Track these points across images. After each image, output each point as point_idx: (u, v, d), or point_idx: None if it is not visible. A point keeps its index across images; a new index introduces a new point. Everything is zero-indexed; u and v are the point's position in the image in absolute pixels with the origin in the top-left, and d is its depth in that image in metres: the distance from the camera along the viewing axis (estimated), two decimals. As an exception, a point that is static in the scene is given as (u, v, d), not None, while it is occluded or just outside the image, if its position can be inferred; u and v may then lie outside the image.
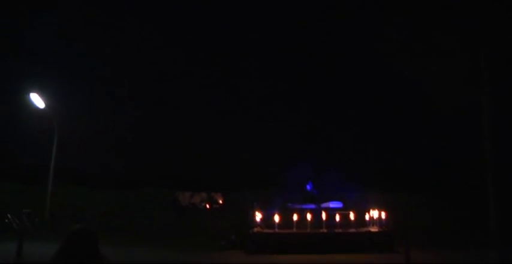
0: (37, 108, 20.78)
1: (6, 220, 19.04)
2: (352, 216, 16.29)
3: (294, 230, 15.75)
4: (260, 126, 24.46)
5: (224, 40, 25.79)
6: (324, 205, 17.31)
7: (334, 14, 22.95)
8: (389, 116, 23.61)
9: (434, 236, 17.72)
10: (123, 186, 21.94)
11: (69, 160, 21.81)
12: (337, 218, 16.11)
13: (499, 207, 12.48)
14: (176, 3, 25.88)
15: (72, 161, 22.13)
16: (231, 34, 25.66)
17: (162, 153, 24.49)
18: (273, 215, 15.96)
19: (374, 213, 16.71)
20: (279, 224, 15.75)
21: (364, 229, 16.52)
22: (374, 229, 16.36)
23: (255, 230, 16.05)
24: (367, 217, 16.96)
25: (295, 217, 15.89)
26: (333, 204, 17.49)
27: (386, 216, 16.44)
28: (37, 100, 20.49)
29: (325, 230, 15.79)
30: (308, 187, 18.29)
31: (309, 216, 15.91)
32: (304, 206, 17.08)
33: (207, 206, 22.24)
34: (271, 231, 15.79)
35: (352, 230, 16.07)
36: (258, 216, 16.16)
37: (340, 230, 15.88)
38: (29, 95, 20.47)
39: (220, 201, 22.26)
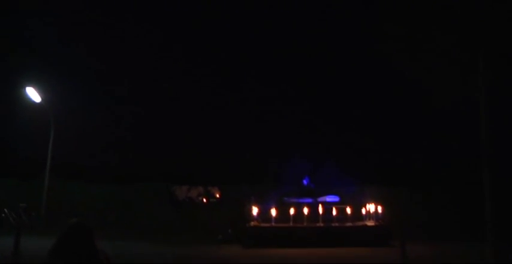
0: (33, 103, 20.71)
1: (3, 215, 19.03)
2: (348, 210, 16.35)
3: (291, 224, 15.81)
4: (257, 120, 24.47)
5: (222, 36, 25.75)
6: (321, 199, 17.37)
7: (332, 10, 22.95)
8: (386, 111, 23.66)
9: (430, 230, 17.81)
10: (120, 180, 21.93)
11: (66, 154, 21.76)
12: (334, 212, 16.18)
13: (495, 202, 12.54)
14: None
15: (68, 155, 22.08)
16: (229, 30, 25.60)
17: (159, 147, 24.49)
18: (270, 209, 16.01)
19: (370, 207, 16.78)
20: (275, 218, 15.80)
21: (361, 223, 16.59)
22: (370, 223, 16.44)
23: (252, 224, 16.10)
24: (363, 211, 17.03)
25: (291, 211, 15.95)
26: (329, 198, 17.56)
27: (383, 210, 16.52)
28: (33, 94, 20.42)
29: (321, 224, 15.85)
30: (305, 181, 18.33)
31: (305, 210, 15.97)
32: (300, 200, 17.13)
33: (204, 200, 22.25)
34: (268, 225, 15.84)
35: (349, 224, 16.14)
36: (255, 210, 16.21)
37: (336, 224, 15.96)
38: (25, 89, 20.39)
39: (217, 195, 22.29)
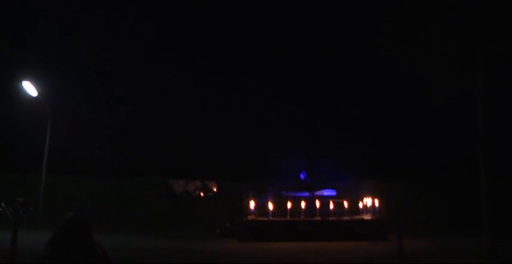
0: (30, 97, 20.65)
1: (0, 209, 19.03)
2: (345, 204, 16.40)
3: (288, 217, 15.86)
4: (255, 115, 24.45)
5: (221, 33, 25.64)
6: (318, 193, 17.42)
7: (330, 6, 22.85)
8: (384, 105, 23.65)
9: (426, 224, 17.90)
10: (118, 174, 21.92)
11: (63, 149, 21.72)
12: (331, 205, 16.23)
13: (492, 196, 12.61)
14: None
15: (66, 149, 22.04)
16: (227, 28, 25.48)
17: (157, 142, 24.47)
18: (267, 203, 16.05)
19: (367, 201, 16.83)
20: (273, 211, 15.85)
21: (358, 217, 16.66)
22: (367, 217, 16.50)
23: (249, 217, 16.14)
24: (360, 205, 17.09)
25: (289, 205, 15.99)
26: (326, 192, 17.60)
27: (380, 204, 16.58)
28: (29, 88, 20.35)
29: (318, 218, 15.90)
30: (302, 175, 18.37)
31: (302, 204, 16.02)
32: (298, 194, 17.17)
33: (201, 194, 22.28)
34: (265, 219, 15.89)
35: (346, 218, 16.20)
36: (252, 204, 16.24)
37: (333, 218, 16.02)
38: (21, 83, 20.31)
39: (215, 189, 22.32)
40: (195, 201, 21.68)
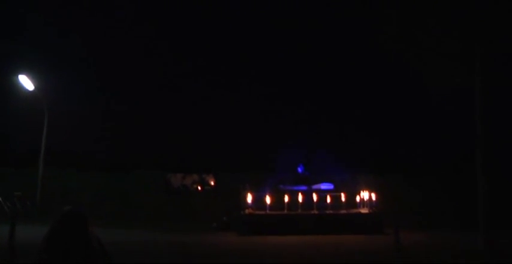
0: (26, 91, 20.56)
1: (-2, 203, 19.02)
2: (343, 197, 16.46)
3: (285, 211, 15.91)
4: (252, 108, 24.39)
5: (219, 29, 25.51)
6: (315, 187, 17.45)
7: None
8: (380, 99, 23.64)
9: (423, 218, 17.98)
10: (115, 168, 21.89)
11: (60, 143, 21.67)
12: (328, 199, 16.28)
13: (488, 190, 12.67)
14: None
15: (63, 143, 21.99)
16: (225, 24, 25.33)
17: (154, 135, 24.42)
18: (265, 197, 16.09)
19: (364, 195, 16.89)
20: (270, 205, 15.89)
21: (355, 210, 16.72)
22: (364, 210, 16.56)
23: (247, 211, 16.18)
24: (357, 199, 17.15)
25: (286, 198, 16.04)
26: (324, 186, 17.64)
27: (377, 197, 16.64)
28: (26, 82, 20.26)
29: (316, 212, 15.96)
30: (299, 169, 18.40)
31: (300, 198, 16.06)
32: (295, 188, 17.20)
33: (199, 187, 22.29)
34: (262, 212, 15.93)
35: (343, 211, 16.26)
36: (250, 197, 16.27)
37: (331, 211, 16.07)
38: (17, 76, 20.22)
39: (212, 183, 22.32)
40: (193, 195, 21.70)
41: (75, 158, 22.13)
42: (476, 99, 12.71)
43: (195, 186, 22.37)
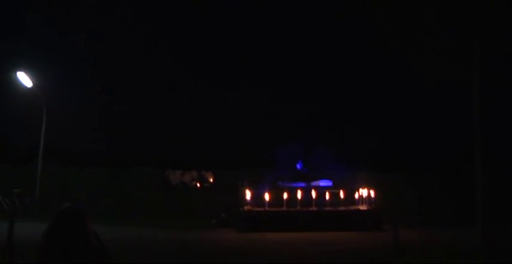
0: (25, 88, 20.52)
1: (-3, 200, 19.02)
2: (341, 194, 16.47)
3: (284, 208, 15.92)
4: (251, 105, 24.41)
5: (214, 24, 25.48)
6: (314, 183, 17.46)
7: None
8: (379, 96, 23.66)
9: (422, 215, 18.01)
10: (114, 165, 21.90)
11: (59, 140, 21.67)
12: (327, 196, 16.30)
13: (486, 187, 12.70)
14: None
15: (62, 140, 21.99)
16: (220, 18, 25.30)
17: (152, 132, 24.43)
18: (263, 193, 16.10)
19: (363, 192, 16.91)
20: (269, 202, 15.90)
21: (353, 207, 16.74)
22: (363, 207, 16.58)
23: (246, 208, 16.18)
24: (356, 196, 17.17)
25: (285, 195, 16.05)
26: (322, 183, 17.65)
27: (375, 194, 16.67)
28: (24, 79, 20.22)
29: (314, 208, 15.97)
30: (298, 166, 18.40)
31: (299, 195, 16.07)
32: (294, 185, 17.21)
33: (198, 184, 22.30)
34: (261, 209, 15.94)
35: (342, 208, 16.28)
36: (249, 194, 16.28)
37: (329, 208, 16.09)
38: (16, 74, 20.17)
39: (211, 180, 22.33)
40: (191, 191, 21.71)
41: (74, 155, 22.13)
42: (474, 96, 12.72)
43: (194, 183, 22.39)
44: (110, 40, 24.79)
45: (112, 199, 20.35)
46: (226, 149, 23.15)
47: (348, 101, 24.40)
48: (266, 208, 15.86)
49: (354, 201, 17.09)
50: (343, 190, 16.64)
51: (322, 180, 17.76)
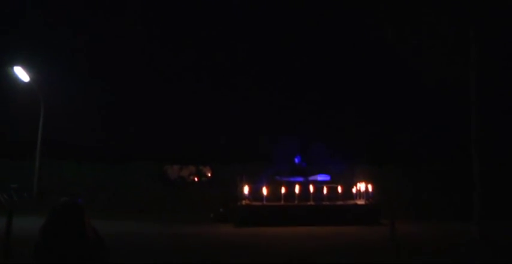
0: (22, 82, 20.46)
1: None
2: (339, 189, 16.51)
3: (282, 202, 15.95)
4: (248, 98, 24.37)
5: (210, 17, 25.35)
6: (312, 178, 17.50)
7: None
8: (377, 89, 23.64)
9: (419, 209, 18.08)
10: (112, 159, 21.89)
11: (57, 134, 21.63)
12: (325, 190, 16.34)
13: (483, 181, 12.76)
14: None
15: (59, 135, 21.95)
16: (215, 11, 25.16)
17: (150, 127, 24.39)
18: (261, 188, 16.12)
19: (361, 186, 16.95)
20: (267, 196, 15.93)
21: (351, 202, 16.79)
22: (361, 202, 16.63)
23: (243, 202, 16.21)
24: (354, 190, 17.22)
25: (283, 190, 16.08)
26: (320, 177, 17.68)
27: (373, 189, 16.71)
28: (21, 73, 20.15)
29: (312, 203, 16.01)
30: (296, 160, 18.42)
31: (296, 189, 16.10)
32: (292, 179, 17.24)
33: (196, 179, 22.32)
34: (259, 203, 15.97)
35: (339, 203, 16.32)
36: (246, 189, 16.31)
37: (327, 203, 16.14)
38: (12, 68, 20.09)
39: (209, 174, 22.35)
40: (189, 186, 21.74)
41: (71, 150, 22.10)
42: (471, 91, 12.74)
43: (192, 177, 22.41)
44: (108, 33, 24.67)
45: (110, 193, 20.38)
46: (223, 143, 23.15)
47: (346, 95, 24.38)
48: (264, 203, 15.88)
49: (352, 196, 17.14)
50: (340, 184, 16.68)
51: (320, 175, 17.80)
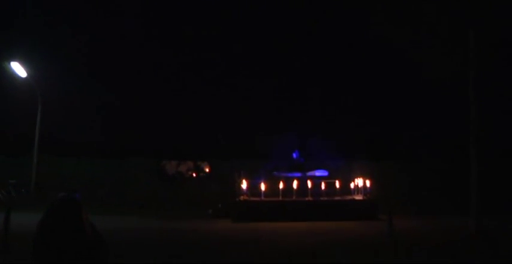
0: (19, 78, 20.39)
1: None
2: (337, 184, 16.54)
3: (280, 198, 15.97)
4: (246, 94, 24.34)
5: (206, 13, 25.27)
6: (310, 173, 17.52)
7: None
8: (375, 85, 23.63)
9: (417, 204, 18.13)
10: (110, 155, 21.88)
11: (54, 130, 21.59)
12: (323, 186, 16.35)
13: (480, 177, 12.80)
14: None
15: (57, 131, 21.91)
16: (213, 8, 25.07)
17: (148, 123, 24.35)
18: (259, 183, 16.14)
19: (358, 182, 16.98)
20: (265, 192, 15.95)
21: (349, 197, 16.82)
22: (358, 197, 16.66)
23: (242, 198, 16.23)
24: (351, 185, 17.26)
25: (281, 185, 16.09)
26: (318, 173, 17.70)
27: (371, 184, 16.74)
28: (18, 69, 20.08)
29: (310, 198, 16.03)
30: (294, 155, 18.43)
31: (294, 185, 16.12)
32: (290, 175, 17.26)
33: (194, 174, 22.34)
34: (257, 199, 15.99)
35: (337, 198, 16.34)
36: (245, 184, 16.32)
37: (325, 198, 16.16)
38: (9, 64, 20.02)
39: (207, 170, 22.36)
40: (188, 182, 21.75)
41: (69, 145, 22.07)
42: (470, 88, 12.76)
43: (190, 173, 22.42)
44: (106, 29, 24.58)
45: (108, 189, 20.38)
46: (220, 136, 23.15)
47: (344, 91, 24.38)
48: (262, 198, 15.90)
49: (350, 191, 17.18)
50: (338, 180, 16.70)
51: (318, 170, 17.82)
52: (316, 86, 24.74)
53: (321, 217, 14.96)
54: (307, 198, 16.02)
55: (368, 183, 16.72)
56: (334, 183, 16.56)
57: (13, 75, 20.29)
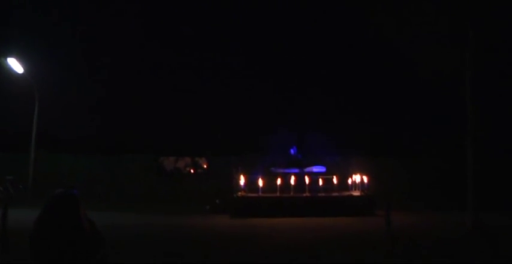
0: (16, 73, 20.31)
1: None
2: (335, 180, 16.57)
3: (278, 194, 16.00)
4: (243, 89, 24.32)
5: (205, 10, 25.19)
6: (308, 169, 17.54)
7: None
8: (372, 81, 23.63)
9: (414, 200, 18.18)
10: (108, 151, 21.84)
11: (52, 126, 21.54)
12: (320, 182, 16.39)
13: (477, 173, 12.85)
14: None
15: (54, 127, 21.86)
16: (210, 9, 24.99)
17: (146, 118, 24.32)
18: (257, 179, 16.16)
19: (356, 178, 17.02)
20: (262, 188, 15.97)
21: (347, 193, 16.86)
22: (356, 193, 16.70)
23: (239, 194, 16.25)
24: (349, 181, 17.29)
25: (278, 181, 16.12)
26: (316, 169, 17.72)
27: (368, 180, 16.78)
28: (15, 65, 19.99)
29: (308, 194, 16.06)
30: (292, 151, 18.44)
31: (292, 181, 16.14)
32: (287, 170, 17.28)
33: (192, 170, 22.33)
34: (255, 195, 16.02)
35: (335, 194, 16.38)
36: (242, 180, 16.33)
37: (323, 194, 16.19)
38: (6, 59, 19.93)
39: (205, 166, 22.36)
40: (185, 177, 21.76)
41: (67, 141, 22.02)
42: (466, 85, 12.78)
43: (187, 169, 22.42)
44: (104, 25, 24.47)
45: (106, 185, 20.38)
46: (219, 135, 23.13)
47: (342, 87, 24.37)
48: (260, 194, 15.93)
49: (347, 187, 17.22)
50: (336, 176, 16.74)
51: (316, 166, 17.84)
52: (315, 82, 24.72)
53: (319, 213, 14.99)
54: (304, 194, 16.05)
55: (365, 179, 16.76)
56: (332, 179, 16.59)
57: (10, 71, 20.20)
